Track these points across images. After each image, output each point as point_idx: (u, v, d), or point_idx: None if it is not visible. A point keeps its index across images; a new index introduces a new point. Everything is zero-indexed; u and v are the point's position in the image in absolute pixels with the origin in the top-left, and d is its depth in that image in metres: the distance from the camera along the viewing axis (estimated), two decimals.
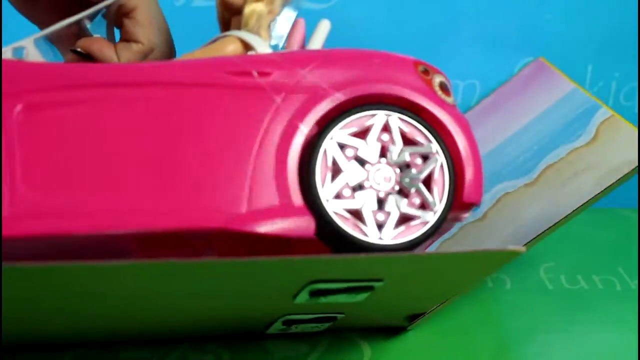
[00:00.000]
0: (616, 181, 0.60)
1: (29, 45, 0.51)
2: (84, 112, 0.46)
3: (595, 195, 0.60)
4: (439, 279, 0.51)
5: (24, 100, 0.45)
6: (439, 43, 0.76)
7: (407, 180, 0.49)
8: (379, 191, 0.48)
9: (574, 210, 0.60)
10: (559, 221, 0.59)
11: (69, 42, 0.56)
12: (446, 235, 0.66)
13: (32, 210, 0.44)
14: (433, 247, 0.66)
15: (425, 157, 0.49)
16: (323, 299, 0.50)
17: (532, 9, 0.76)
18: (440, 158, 0.49)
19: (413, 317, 0.59)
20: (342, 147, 0.48)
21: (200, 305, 0.51)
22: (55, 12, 0.56)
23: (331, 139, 0.48)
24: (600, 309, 0.65)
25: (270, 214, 0.46)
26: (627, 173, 0.60)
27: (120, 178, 0.45)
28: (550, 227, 0.59)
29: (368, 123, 0.49)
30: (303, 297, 0.50)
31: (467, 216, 0.52)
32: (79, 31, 0.57)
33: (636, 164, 0.60)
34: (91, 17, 0.56)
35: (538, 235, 0.59)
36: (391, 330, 0.60)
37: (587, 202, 0.60)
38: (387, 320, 0.59)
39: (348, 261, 0.46)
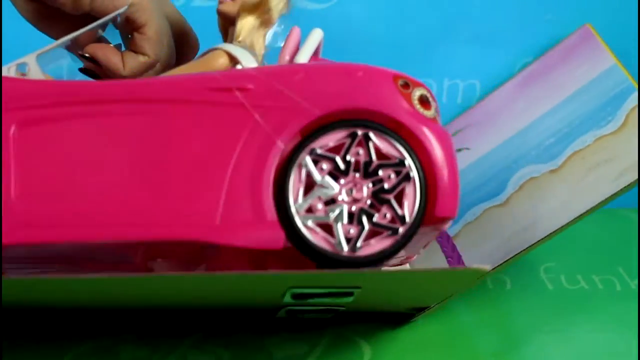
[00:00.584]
0: (633, 182, 0.60)
1: (31, 61, 0.53)
2: (72, 127, 0.49)
3: (611, 196, 0.60)
4: (412, 291, 0.53)
5: (18, 117, 0.49)
6: (439, 43, 0.76)
7: (379, 195, 0.50)
8: (351, 205, 0.49)
9: (587, 211, 0.60)
10: (571, 221, 0.60)
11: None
12: (469, 218, 0.67)
13: (24, 221, 0.47)
14: (456, 229, 0.66)
15: (399, 172, 0.50)
16: (309, 300, 0.52)
17: (532, 9, 0.76)
18: (413, 173, 0.50)
19: (418, 310, 0.59)
20: (316, 161, 0.49)
21: (198, 300, 0.54)
22: (75, 30, 0.57)
23: (306, 153, 0.49)
24: (600, 309, 0.65)
25: (242, 226, 0.48)
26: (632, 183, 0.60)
27: (102, 191, 0.48)
28: (561, 227, 0.60)
29: (343, 138, 0.50)
30: (289, 299, 0.51)
31: (447, 227, 0.53)
32: (98, 41, 0.59)
33: None
34: (103, 27, 0.58)
35: (547, 236, 0.60)
36: (391, 329, 0.60)
37: (601, 202, 0.60)
38: (393, 309, 0.60)
39: (317, 277, 0.49)
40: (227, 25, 0.60)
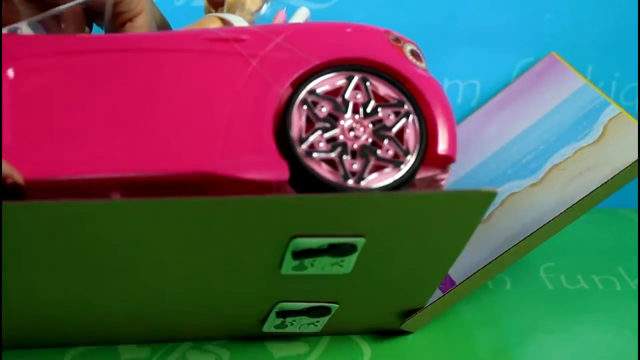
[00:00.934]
0: (616, 176, 0.59)
1: (23, 26, 0.54)
2: (72, 73, 0.50)
3: (596, 190, 0.59)
4: (419, 233, 0.52)
5: (15, 65, 0.49)
6: (439, 43, 0.76)
7: (380, 132, 0.50)
8: (353, 143, 0.50)
9: (574, 205, 0.59)
10: (559, 215, 0.59)
11: None
12: None
13: (21, 158, 0.48)
14: None
15: (397, 113, 0.51)
16: (309, 265, 0.51)
17: (532, 9, 0.76)
18: (412, 114, 0.51)
19: (408, 314, 0.59)
20: (315, 103, 0.50)
21: (189, 276, 0.52)
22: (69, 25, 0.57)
23: (304, 95, 0.50)
24: (600, 309, 0.65)
25: (246, 160, 0.49)
26: (627, 168, 0.59)
27: (105, 129, 0.49)
28: (551, 220, 0.59)
29: (340, 82, 0.51)
30: (288, 264, 0.51)
31: (447, 177, 0.53)
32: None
33: (636, 158, 0.59)
34: (90, 26, 0.58)
35: (539, 229, 0.59)
36: (391, 330, 0.60)
37: (587, 196, 0.59)
38: (383, 317, 0.59)
39: (324, 200, 0.48)
40: (212, 10, 0.61)
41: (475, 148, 0.72)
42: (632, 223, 0.78)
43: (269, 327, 0.57)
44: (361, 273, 0.53)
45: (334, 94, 0.51)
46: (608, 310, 0.65)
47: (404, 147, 0.51)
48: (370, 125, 0.51)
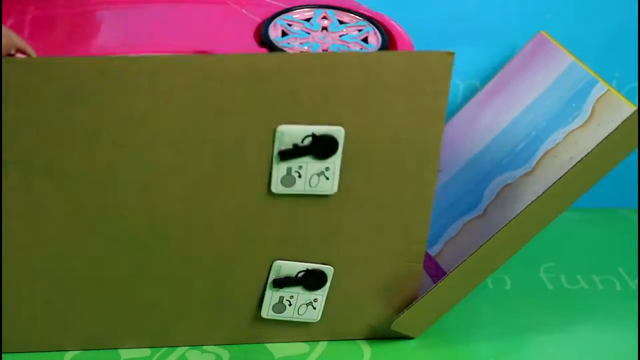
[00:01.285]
0: (588, 156, 0.57)
1: None
2: (79, 18, 0.60)
3: (570, 173, 0.58)
4: (393, 112, 0.55)
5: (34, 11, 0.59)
6: (438, 43, 0.76)
7: (347, 38, 0.59)
8: (324, 45, 0.58)
9: (554, 187, 0.58)
10: (541, 199, 0.57)
11: None
12: (450, 235, 0.66)
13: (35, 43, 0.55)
14: (438, 248, 0.66)
15: (360, 30, 0.60)
16: (296, 176, 0.54)
17: (532, 9, 0.76)
18: (374, 29, 0.60)
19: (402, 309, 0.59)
20: (289, 25, 0.59)
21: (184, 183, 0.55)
22: None
23: (280, 18, 0.60)
24: (600, 309, 0.65)
25: (235, 49, 0.57)
26: (600, 144, 0.58)
27: (121, 26, 0.59)
28: (532, 204, 0.58)
29: (309, 14, 0.61)
30: (277, 173, 0.54)
31: None
32: None
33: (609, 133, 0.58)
34: None
35: (523, 215, 0.57)
36: (390, 329, 0.60)
37: (565, 178, 0.57)
38: (383, 291, 0.59)
39: (299, 57, 0.54)
40: None
41: (470, 140, 0.71)
42: (632, 223, 0.78)
43: (266, 309, 0.58)
44: (349, 195, 0.55)
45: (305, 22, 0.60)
46: (608, 310, 0.65)
47: (369, 43, 0.59)
48: (338, 36, 0.59)
